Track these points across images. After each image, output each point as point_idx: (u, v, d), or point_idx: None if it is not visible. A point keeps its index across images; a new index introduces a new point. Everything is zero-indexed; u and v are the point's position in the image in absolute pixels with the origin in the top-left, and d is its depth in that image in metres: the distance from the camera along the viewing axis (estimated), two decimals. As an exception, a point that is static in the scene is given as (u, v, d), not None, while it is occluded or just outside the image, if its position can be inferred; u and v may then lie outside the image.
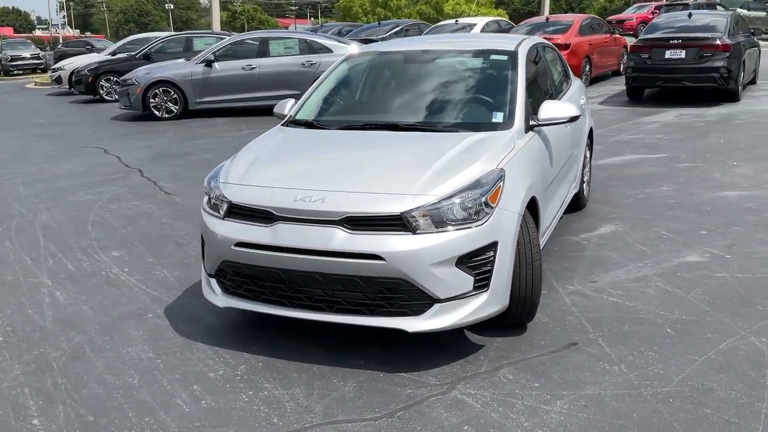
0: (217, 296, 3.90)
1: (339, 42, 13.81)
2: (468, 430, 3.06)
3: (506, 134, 4.13)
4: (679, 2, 30.69)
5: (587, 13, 48.33)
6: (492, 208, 3.55)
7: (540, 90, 4.99)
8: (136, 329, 4.18)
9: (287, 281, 3.60)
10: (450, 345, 3.82)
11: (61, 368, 3.73)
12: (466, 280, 3.47)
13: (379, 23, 22.35)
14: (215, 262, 3.83)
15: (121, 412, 3.28)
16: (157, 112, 13.32)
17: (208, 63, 13.19)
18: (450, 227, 3.45)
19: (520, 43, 5.01)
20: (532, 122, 4.36)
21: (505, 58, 4.77)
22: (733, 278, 4.67)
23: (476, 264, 3.49)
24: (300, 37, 13.79)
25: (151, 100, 13.28)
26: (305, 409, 3.27)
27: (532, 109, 4.45)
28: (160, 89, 13.27)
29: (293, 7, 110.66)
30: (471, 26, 17.25)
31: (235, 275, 3.78)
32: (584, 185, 6.33)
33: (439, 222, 3.45)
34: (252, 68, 13.18)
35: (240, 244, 3.66)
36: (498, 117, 4.35)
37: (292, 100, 5.04)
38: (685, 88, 12.56)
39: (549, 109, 4.37)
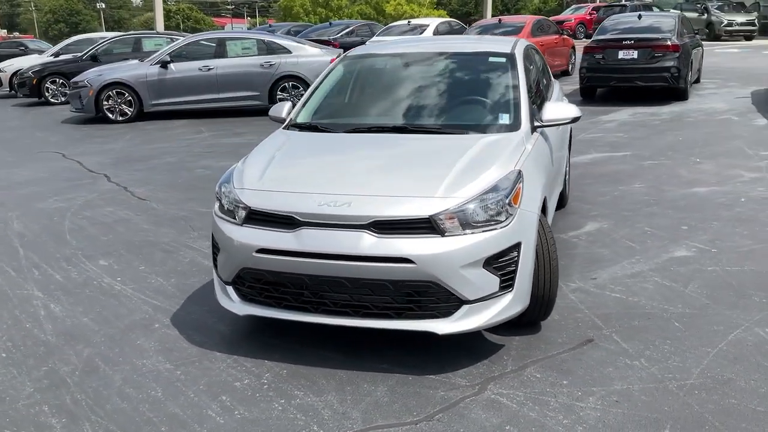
0: (234, 304, 3.83)
1: (298, 43, 13.69)
2: (510, 430, 3.10)
3: (517, 135, 4.19)
4: (617, 4, 31.68)
5: (522, 14, 49.32)
6: (515, 209, 3.60)
7: (534, 91, 5.07)
8: (146, 340, 4.07)
9: (312, 287, 3.57)
10: (471, 345, 3.86)
11: (77, 383, 3.60)
12: (493, 281, 3.51)
13: (330, 23, 22.27)
14: (233, 270, 3.76)
15: (152, 427, 3.19)
16: (110, 115, 12.95)
17: (164, 64, 12.89)
18: (477, 229, 3.48)
19: (515, 45, 5.09)
20: (536, 123, 4.43)
21: (503, 60, 4.84)
22: (723, 271, 4.86)
23: (501, 265, 3.53)
24: (258, 38, 13.61)
25: (105, 103, 12.90)
26: (343, 415, 3.24)
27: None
28: (114, 91, 12.89)
29: (229, 7, 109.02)
30: (423, 27, 17.37)
31: (256, 282, 3.72)
32: (566, 184, 6.46)
33: (465, 224, 3.47)
34: (209, 69, 12.95)
35: (262, 250, 3.60)
36: (505, 119, 4.41)
37: (289, 103, 4.98)
38: (636, 87, 12.95)
39: (552, 110, 4.45)
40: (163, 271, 5.18)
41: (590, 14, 33.11)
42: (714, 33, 28.50)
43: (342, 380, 3.55)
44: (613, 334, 3.98)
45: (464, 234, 3.45)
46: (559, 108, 4.50)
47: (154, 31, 21.00)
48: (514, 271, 3.57)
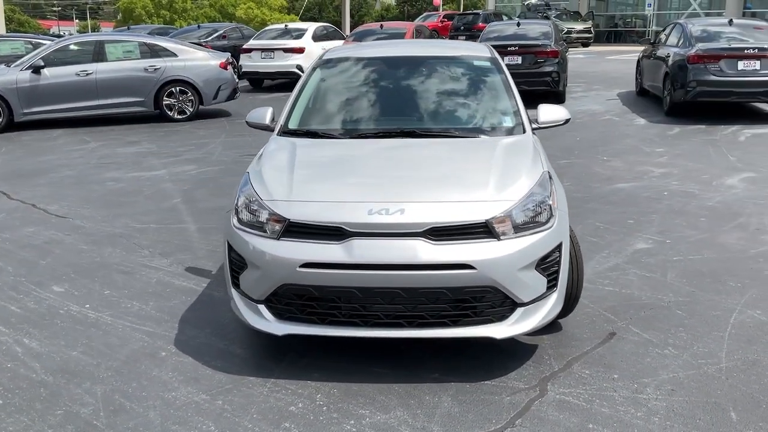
0: (270, 323, 3.57)
1: (183, 46, 13.03)
2: (594, 428, 3.13)
3: (527, 137, 4.26)
4: (469, 12, 33.08)
5: (366, 21, 50.30)
6: (554, 209, 3.65)
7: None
8: (160, 371, 3.69)
9: (363, 300, 3.41)
10: (506, 348, 3.85)
11: (109, 425, 3.20)
12: (542, 282, 3.54)
13: (198, 26, 21.42)
14: (269, 287, 3.50)
15: (226, 465, 2.91)
16: (-25, 126, 11.64)
17: (36, 69, 11.75)
18: (527, 231, 3.49)
19: (490, 49, 5.17)
20: (533, 125, 4.52)
21: (488, 63, 4.90)
22: (688, 260, 5.21)
23: (548, 265, 3.57)
24: (140, 41, 12.79)
25: (-32, 113, 11.57)
26: (423, 430, 3.13)
27: (526, 113, 4.63)
28: (-22, 100, 11.60)
29: (55, 8, 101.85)
30: (301, 31, 17.16)
31: (296, 298, 3.49)
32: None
33: (516, 227, 3.48)
34: (88, 74, 12.00)
35: (307, 264, 3.39)
36: (508, 121, 4.46)
37: (270, 109, 4.73)
38: (520, 91, 13.55)
39: (547, 113, 4.58)
40: (134, 295, 4.73)
41: (442, 22, 34.28)
42: (557, 40, 30.46)
43: (401, 394, 3.42)
44: (630, 325, 4.14)
45: (517, 237, 3.45)
46: (552, 110, 4.63)
47: (10, 34, 19.11)
48: (557, 271, 3.62)
